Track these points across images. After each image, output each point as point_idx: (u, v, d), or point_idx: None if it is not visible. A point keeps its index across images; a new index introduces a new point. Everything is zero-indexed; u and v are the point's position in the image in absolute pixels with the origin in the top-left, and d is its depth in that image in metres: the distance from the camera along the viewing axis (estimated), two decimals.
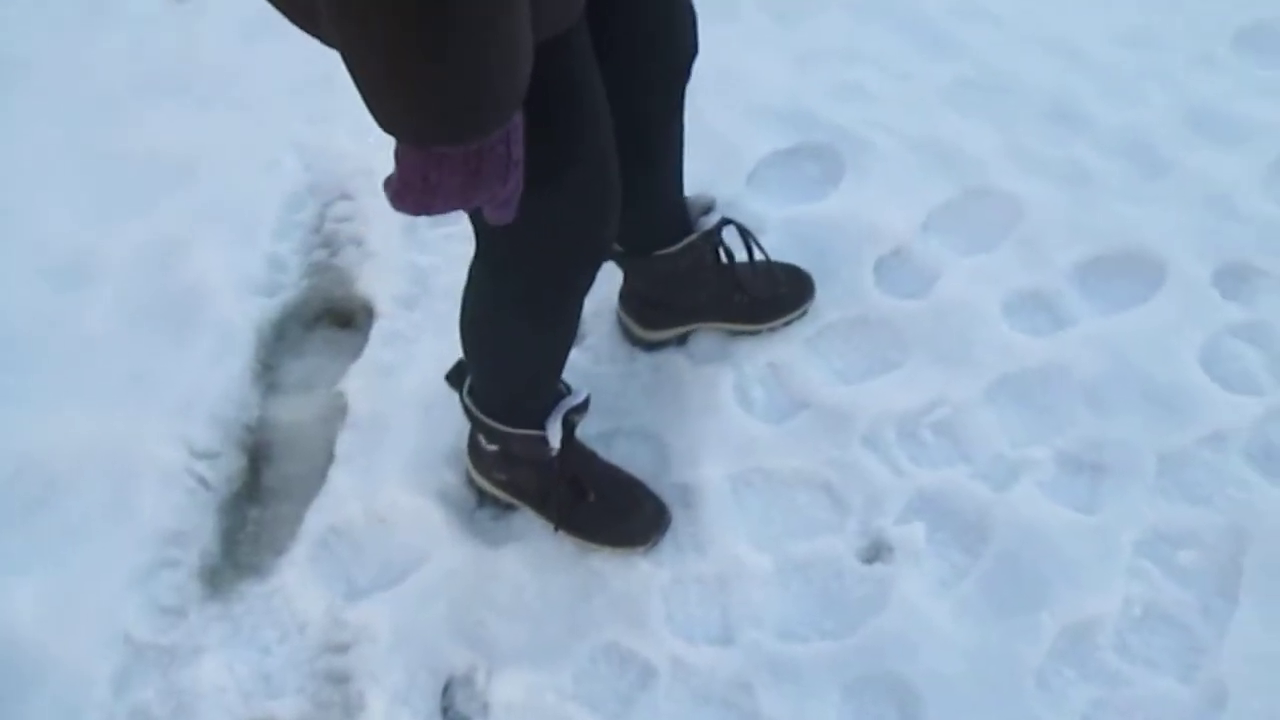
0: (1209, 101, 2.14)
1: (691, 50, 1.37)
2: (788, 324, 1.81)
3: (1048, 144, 2.07)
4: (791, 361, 1.77)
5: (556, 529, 1.55)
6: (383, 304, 1.85)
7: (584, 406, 1.48)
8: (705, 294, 1.74)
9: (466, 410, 1.49)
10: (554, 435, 1.44)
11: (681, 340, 1.80)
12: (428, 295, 1.87)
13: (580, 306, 1.35)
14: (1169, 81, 2.18)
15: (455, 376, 1.51)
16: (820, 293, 1.83)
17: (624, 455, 1.66)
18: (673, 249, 1.61)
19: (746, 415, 1.71)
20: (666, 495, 1.61)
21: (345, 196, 2.02)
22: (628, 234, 1.58)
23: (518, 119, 0.86)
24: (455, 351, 1.45)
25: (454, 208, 0.87)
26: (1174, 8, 2.33)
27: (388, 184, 0.86)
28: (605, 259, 1.26)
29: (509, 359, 1.39)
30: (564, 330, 1.38)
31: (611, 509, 1.56)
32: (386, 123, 0.78)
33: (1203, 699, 1.43)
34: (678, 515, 1.60)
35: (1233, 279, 1.86)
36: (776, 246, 1.75)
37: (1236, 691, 1.42)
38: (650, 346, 1.80)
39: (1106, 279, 1.88)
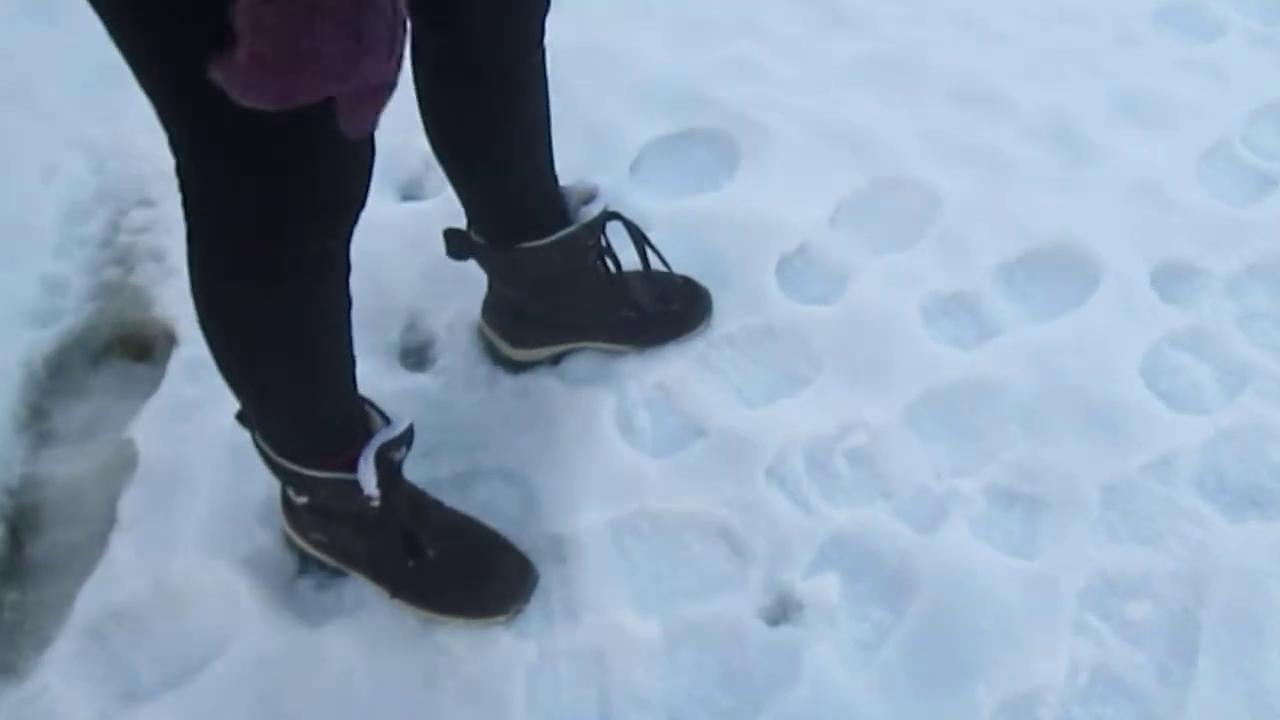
0: (1133, 82, 2.13)
1: None
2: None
3: (963, 129, 2.02)
4: (684, 381, 1.63)
5: (392, 596, 1.35)
6: (186, 327, 1.61)
7: (404, 439, 1.26)
8: (586, 307, 1.59)
9: (259, 451, 1.26)
10: (367, 479, 1.21)
11: (554, 360, 1.65)
12: None
13: (340, 286, 1.12)
14: (1090, 61, 2.18)
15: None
16: (716, 300, 1.70)
17: (483, 502, 1.49)
18: (543, 241, 1.43)
19: (631, 447, 1.56)
20: (535, 549, 1.44)
21: (144, 203, 1.81)
22: (487, 222, 1.46)
23: None
24: None
25: (326, 91, 0.74)
26: None
27: (225, 69, 0.71)
28: (349, 216, 1.04)
29: (262, 360, 1.16)
30: (320, 314, 1.14)
31: (462, 570, 1.37)
32: None
33: None
34: (548, 573, 1.42)
35: (1171, 279, 1.80)
36: (665, 245, 1.61)
37: None
38: (517, 368, 1.64)
39: (1035, 280, 1.81)
